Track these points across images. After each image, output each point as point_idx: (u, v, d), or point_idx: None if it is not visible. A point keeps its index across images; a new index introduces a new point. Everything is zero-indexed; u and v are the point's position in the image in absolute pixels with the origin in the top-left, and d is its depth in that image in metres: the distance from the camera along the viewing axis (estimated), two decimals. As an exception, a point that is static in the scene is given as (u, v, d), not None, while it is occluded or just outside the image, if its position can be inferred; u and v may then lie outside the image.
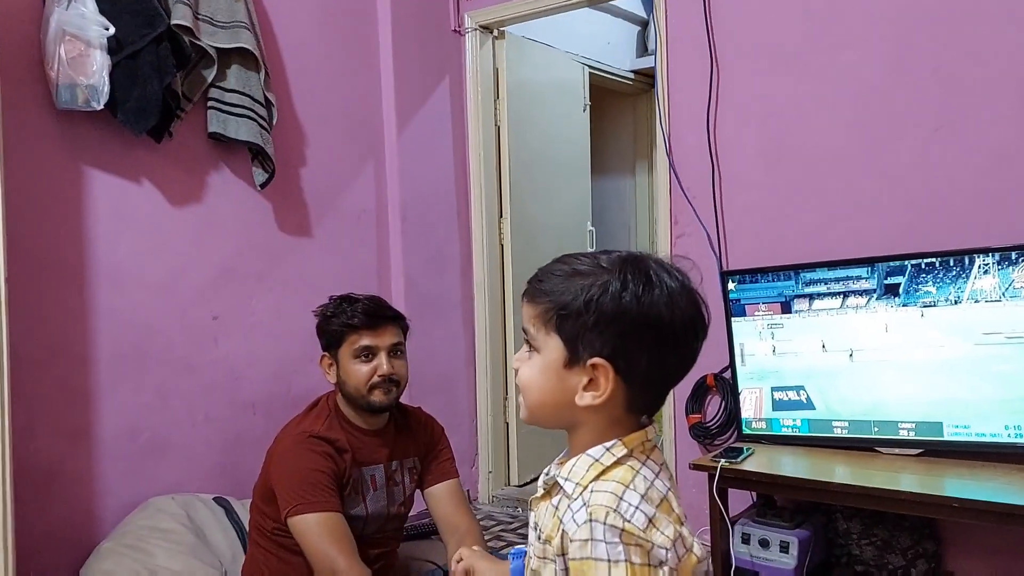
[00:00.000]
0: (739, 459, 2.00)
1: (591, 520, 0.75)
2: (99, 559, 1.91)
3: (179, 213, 2.26)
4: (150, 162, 2.19)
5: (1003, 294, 1.83)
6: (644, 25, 4.11)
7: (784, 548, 1.97)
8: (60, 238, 2.02)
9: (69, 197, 2.04)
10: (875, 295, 2.00)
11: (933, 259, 1.92)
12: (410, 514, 1.83)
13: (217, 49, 2.20)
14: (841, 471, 1.93)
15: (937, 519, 1.99)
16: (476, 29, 3.04)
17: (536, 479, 3.03)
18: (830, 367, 2.06)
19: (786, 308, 2.11)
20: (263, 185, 2.40)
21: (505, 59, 3.13)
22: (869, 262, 2.01)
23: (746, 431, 2.18)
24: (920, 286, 1.94)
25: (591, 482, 0.80)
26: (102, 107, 1.95)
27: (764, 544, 2.00)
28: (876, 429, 2.00)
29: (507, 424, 3.17)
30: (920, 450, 1.96)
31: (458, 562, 1.07)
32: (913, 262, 1.95)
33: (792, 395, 2.11)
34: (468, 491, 2.95)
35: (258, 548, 1.70)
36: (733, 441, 2.27)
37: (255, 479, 1.75)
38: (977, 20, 2.04)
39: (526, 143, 3.22)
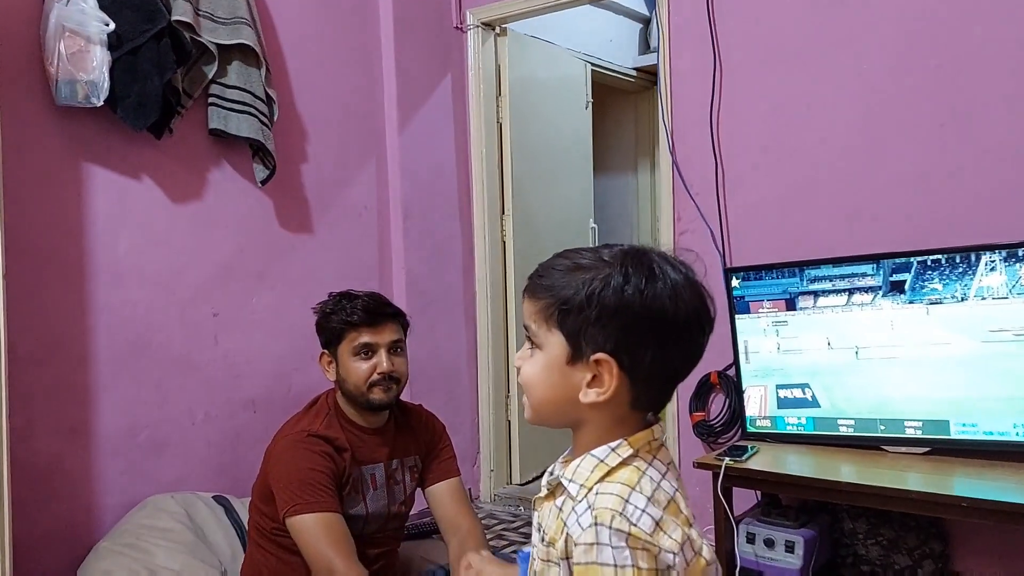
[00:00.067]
0: (743, 458, 1.98)
1: (596, 524, 0.73)
2: (97, 558, 1.89)
3: (179, 210, 2.25)
4: (150, 158, 2.17)
5: (1010, 291, 1.81)
6: (646, 22, 4.10)
7: (789, 548, 1.95)
8: (59, 234, 2.01)
9: (68, 193, 2.02)
10: (881, 292, 1.98)
11: (939, 256, 1.90)
12: (411, 513, 1.81)
13: (218, 45, 2.19)
14: (847, 470, 1.91)
15: (944, 519, 1.97)
16: (478, 26, 3.03)
17: (538, 477, 2.99)
18: (836, 365, 2.04)
19: (791, 305, 2.10)
20: (264, 182, 2.38)
21: (507, 56, 3.11)
22: (874, 259, 1.99)
23: (750, 429, 2.17)
24: (926, 283, 1.92)
25: (596, 483, 0.78)
26: (102, 103, 1.94)
27: (769, 544, 1.98)
28: (882, 427, 1.98)
29: (509, 422, 3.15)
30: (927, 449, 1.94)
31: (467, 568, 1.05)
32: (919, 259, 1.93)
33: (797, 393, 2.09)
34: (469, 489, 2.93)
35: (257, 548, 1.68)
36: (737, 439, 2.25)
37: (255, 477, 1.73)
38: (982, 14, 2.02)
39: (528, 140, 3.20)
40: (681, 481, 0.81)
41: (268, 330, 2.45)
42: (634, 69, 4.08)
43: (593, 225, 3.63)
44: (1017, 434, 1.81)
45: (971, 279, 1.86)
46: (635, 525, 0.73)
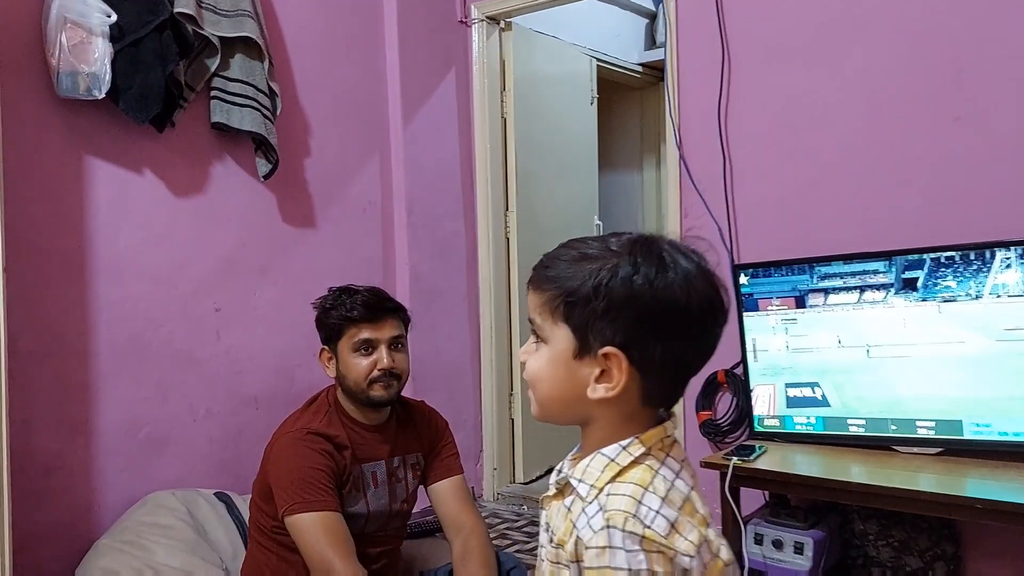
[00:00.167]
0: (752, 457, 1.95)
1: (608, 526, 0.70)
2: (97, 555, 1.87)
3: (181, 204, 2.22)
4: (152, 152, 2.15)
5: (1026, 288, 1.78)
6: (652, 18, 4.06)
7: (798, 549, 1.91)
8: (60, 228, 1.99)
9: (69, 186, 2.00)
10: (893, 289, 1.94)
11: (953, 253, 1.87)
12: (414, 511, 1.79)
13: (220, 38, 2.16)
14: (857, 470, 1.88)
15: (956, 521, 1.94)
16: (483, 20, 3.00)
17: (542, 476, 2.95)
18: (846, 363, 2.00)
19: (800, 303, 2.06)
20: (267, 176, 2.36)
21: (512, 51, 3.08)
22: (886, 255, 1.95)
23: (758, 429, 2.13)
24: (939, 280, 1.89)
25: (607, 484, 0.75)
26: (104, 95, 1.92)
27: (778, 545, 1.95)
28: (894, 427, 1.95)
29: (512, 420, 3.13)
30: (939, 449, 1.91)
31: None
32: (932, 256, 1.89)
33: (807, 392, 2.06)
34: (472, 488, 2.90)
35: (258, 546, 1.65)
36: (745, 439, 2.22)
37: (256, 474, 1.71)
38: (997, 6, 1.98)
39: (533, 136, 3.17)
40: (696, 479, 0.78)
41: (270, 326, 2.42)
42: (639, 65, 4.04)
43: (598, 222, 3.60)
44: (1032, 434, 1.78)
45: (986, 276, 1.83)
46: (649, 527, 0.70)
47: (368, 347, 1.61)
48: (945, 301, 1.88)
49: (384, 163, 2.81)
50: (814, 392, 2.05)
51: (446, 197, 2.97)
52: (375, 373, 1.60)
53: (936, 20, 2.06)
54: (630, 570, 0.68)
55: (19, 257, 1.83)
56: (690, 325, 0.74)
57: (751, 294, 2.13)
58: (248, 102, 2.23)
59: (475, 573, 1.59)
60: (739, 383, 2.28)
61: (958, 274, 1.86)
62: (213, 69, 2.19)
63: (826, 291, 2.03)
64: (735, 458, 1.93)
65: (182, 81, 2.13)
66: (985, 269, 1.83)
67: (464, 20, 3.01)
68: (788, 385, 2.09)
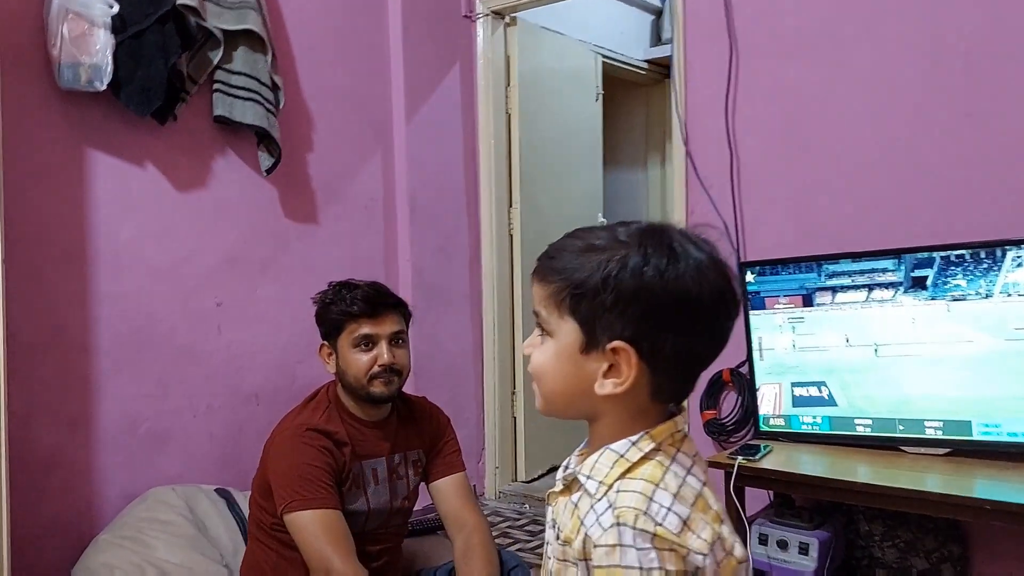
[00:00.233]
0: (757, 457, 1.93)
1: (618, 524, 0.68)
2: (97, 551, 1.86)
3: (183, 197, 2.21)
4: (153, 145, 2.13)
5: (1037, 288, 1.75)
6: (658, 14, 4.04)
7: (803, 550, 1.89)
8: (60, 221, 1.97)
9: (70, 179, 1.99)
10: (902, 288, 1.92)
11: (963, 251, 1.84)
12: (415, 509, 1.77)
13: (223, 30, 2.15)
14: (864, 470, 1.86)
15: (963, 522, 1.92)
16: (487, 15, 2.98)
17: (544, 475, 2.92)
18: (854, 362, 1.98)
19: (807, 301, 2.04)
20: (269, 171, 2.34)
21: (517, 46, 3.06)
22: (895, 254, 1.93)
23: (763, 428, 2.11)
24: (949, 279, 1.86)
25: (616, 480, 0.72)
26: (105, 87, 1.91)
27: (782, 545, 1.92)
28: (901, 428, 1.92)
29: (515, 418, 3.11)
30: (947, 450, 1.88)
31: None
32: (942, 254, 1.87)
33: (813, 391, 2.04)
34: (474, 486, 2.89)
35: (257, 543, 1.64)
36: (749, 439, 2.20)
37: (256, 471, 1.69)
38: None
39: (537, 132, 3.15)
40: (708, 474, 0.76)
41: (272, 321, 2.41)
42: (645, 61, 4.02)
43: (602, 219, 3.58)
44: (1042, 436, 1.75)
45: (996, 275, 1.80)
46: (661, 525, 0.68)
47: (368, 343, 1.59)
48: (955, 300, 1.85)
49: (387, 158, 2.79)
50: (820, 391, 2.03)
51: (449, 193, 2.95)
52: (375, 369, 1.58)
53: (948, 13, 2.04)
54: (641, 569, 0.66)
55: (19, 249, 1.82)
56: (701, 317, 0.72)
57: (758, 292, 2.10)
58: (251, 95, 2.22)
59: (477, 571, 1.57)
60: (744, 382, 2.26)
61: (968, 273, 1.84)
62: (216, 62, 2.17)
63: (834, 289, 2.01)
64: (740, 457, 1.91)
65: (184, 74, 2.11)
66: (996, 268, 1.80)
67: (469, 15, 2.98)
68: (794, 384, 2.06)
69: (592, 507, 0.72)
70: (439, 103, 2.90)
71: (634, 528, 0.67)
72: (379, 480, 1.64)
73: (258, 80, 2.23)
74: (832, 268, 2.01)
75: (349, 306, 1.59)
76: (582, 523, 0.73)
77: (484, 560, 1.58)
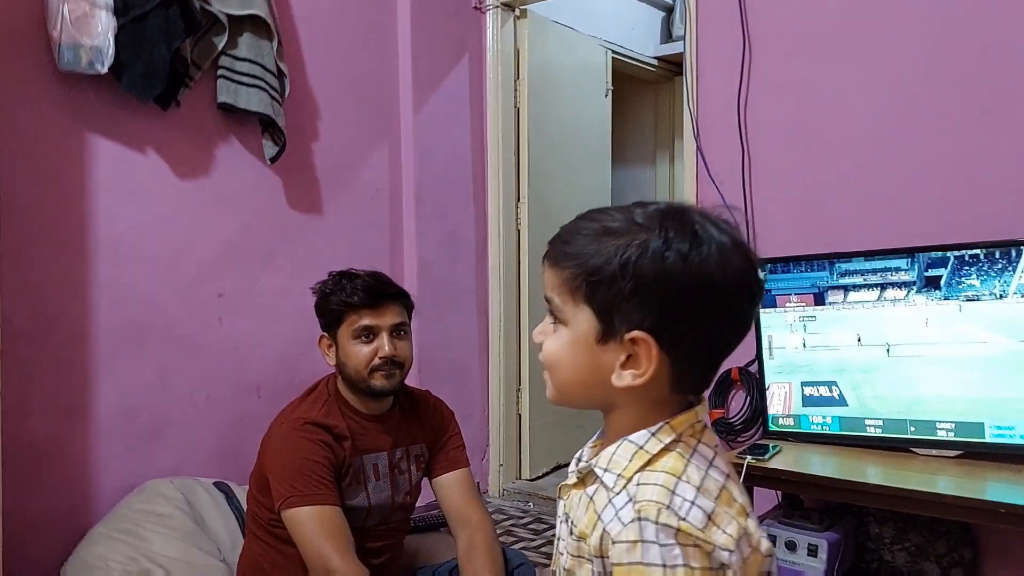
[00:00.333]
0: (766, 457, 1.89)
1: (640, 519, 0.64)
2: (91, 544, 1.83)
3: (185, 185, 2.17)
4: (155, 131, 2.10)
5: (1055, 288, 1.72)
6: (669, 11, 4.00)
7: (812, 552, 1.86)
8: (58, 206, 1.94)
9: (69, 164, 1.95)
10: (915, 288, 1.88)
11: (978, 250, 1.80)
12: (418, 505, 1.74)
13: (228, 15, 2.11)
14: (874, 472, 1.82)
15: (975, 526, 1.88)
16: (497, 7, 2.94)
17: (548, 473, 2.87)
18: (865, 362, 1.94)
19: (819, 300, 2.00)
20: (273, 159, 2.31)
21: (526, 39, 3.02)
22: (909, 252, 1.89)
23: (772, 428, 2.07)
24: (963, 279, 1.83)
25: (635, 473, 0.69)
26: (106, 70, 1.87)
27: (791, 547, 1.89)
28: (912, 429, 1.89)
29: (519, 415, 3.08)
30: (959, 452, 1.85)
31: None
32: (956, 253, 1.83)
33: (823, 391, 2.00)
34: (478, 484, 2.86)
35: (255, 539, 1.60)
36: (758, 438, 2.16)
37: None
38: (1031, -3, 1.92)
39: (546, 126, 3.11)
40: (732, 466, 0.72)
41: (274, 313, 2.37)
42: (655, 58, 3.98)
43: (609, 216, 3.54)
44: (1058, 439, 1.71)
45: (1011, 275, 1.77)
46: (684, 519, 0.64)
47: (369, 334, 1.55)
48: (969, 300, 1.82)
49: (394, 150, 2.75)
50: (831, 391, 1.99)
51: (456, 186, 2.91)
52: (376, 361, 1.54)
53: (964, 9, 2.00)
54: (664, 566, 0.63)
55: (16, 235, 1.79)
56: (725, 304, 0.68)
57: (769, 290, 2.06)
58: (256, 82, 2.18)
59: (481, 569, 1.53)
60: (753, 381, 2.22)
61: (982, 272, 1.80)
62: (220, 47, 2.14)
63: (846, 288, 1.97)
64: (749, 457, 1.88)
65: (188, 59, 2.08)
66: (1011, 268, 1.77)
67: (479, 6, 2.95)
68: (804, 384, 2.03)
69: (610, 501, 0.69)
70: (447, 94, 2.87)
71: (656, 523, 0.64)
72: (380, 475, 1.60)
73: (263, 67, 2.20)
74: (844, 267, 1.97)
75: (349, 296, 1.55)
76: (599, 518, 0.69)
77: (488, 558, 1.55)
